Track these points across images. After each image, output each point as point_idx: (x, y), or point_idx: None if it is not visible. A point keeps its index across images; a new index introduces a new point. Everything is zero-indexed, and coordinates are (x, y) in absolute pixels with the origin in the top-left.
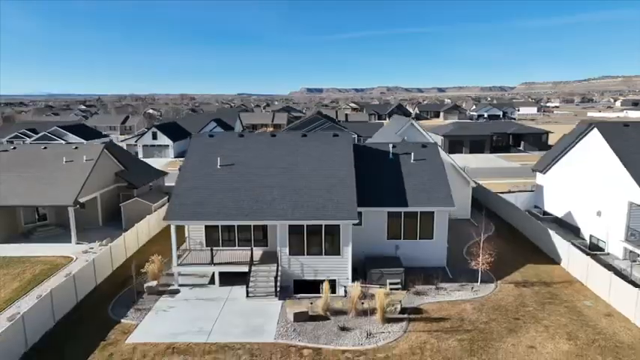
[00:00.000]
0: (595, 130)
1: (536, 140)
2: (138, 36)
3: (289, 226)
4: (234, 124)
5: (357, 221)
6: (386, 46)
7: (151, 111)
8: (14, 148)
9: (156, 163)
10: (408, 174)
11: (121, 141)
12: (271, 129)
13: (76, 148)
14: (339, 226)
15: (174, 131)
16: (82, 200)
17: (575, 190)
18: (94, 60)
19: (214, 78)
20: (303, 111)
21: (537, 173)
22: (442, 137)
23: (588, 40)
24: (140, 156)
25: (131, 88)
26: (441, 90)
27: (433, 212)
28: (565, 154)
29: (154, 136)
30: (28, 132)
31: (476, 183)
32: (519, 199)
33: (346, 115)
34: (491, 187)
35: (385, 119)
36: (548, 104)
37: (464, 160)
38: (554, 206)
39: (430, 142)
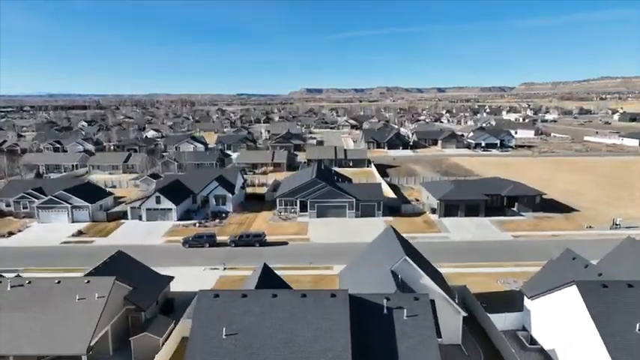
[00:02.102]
0: (574, 288)
1: (530, 202)
2: (138, 36)
3: None
4: (235, 179)
5: None
6: (386, 46)
7: (151, 132)
8: (29, 282)
9: (159, 226)
10: (402, 334)
11: (126, 204)
12: (271, 168)
13: (88, 282)
14: None
15: (177, 193)
16: (94, 342)
17: (560, 331)
18: (93, 60)
19: (214, 78)
20: (302, 131)
21: (525, 297)
22: (438, 201)
23: (588, 41)
24: (144, 219)
25: (131, 88)
26: (440, 90)
27: None
28: (550, 292)
29: (158, 201)
30: (35, 192)
31: (466, 312)
32: (508, 320)
33: (345, 151)
34: (480, 279)
35: (384, 147)
36: (546, 116)
37: (458, 223)
38: (540, 336)
39: (422, 293)
